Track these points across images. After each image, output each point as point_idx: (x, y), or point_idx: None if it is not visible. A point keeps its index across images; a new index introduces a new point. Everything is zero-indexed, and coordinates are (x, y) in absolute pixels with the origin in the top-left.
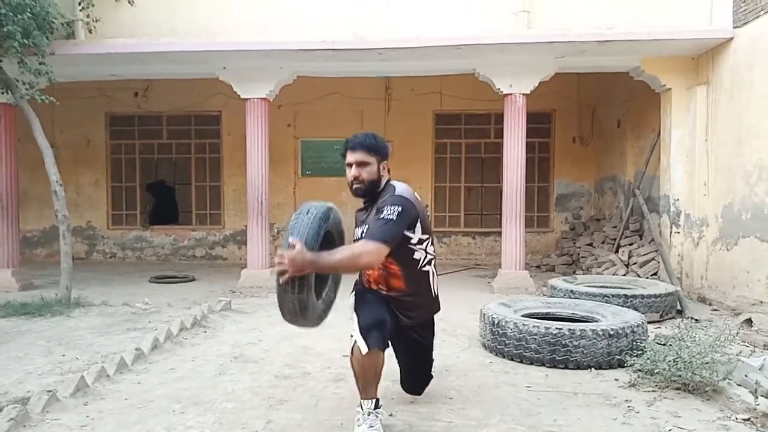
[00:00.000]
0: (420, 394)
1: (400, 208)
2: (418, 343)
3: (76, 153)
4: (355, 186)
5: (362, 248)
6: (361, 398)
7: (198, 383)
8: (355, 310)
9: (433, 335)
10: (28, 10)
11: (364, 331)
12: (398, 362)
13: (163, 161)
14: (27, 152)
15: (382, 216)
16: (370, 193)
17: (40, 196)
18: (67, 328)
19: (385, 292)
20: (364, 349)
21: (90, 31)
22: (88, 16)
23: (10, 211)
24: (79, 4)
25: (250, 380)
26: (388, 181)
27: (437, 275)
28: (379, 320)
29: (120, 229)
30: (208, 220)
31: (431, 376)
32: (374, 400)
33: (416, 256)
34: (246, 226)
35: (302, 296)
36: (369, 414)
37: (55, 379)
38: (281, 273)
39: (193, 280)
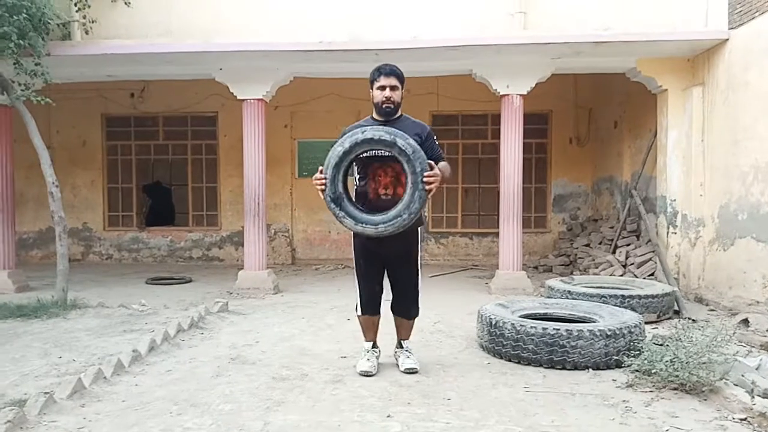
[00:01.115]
0: (409, 316)
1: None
2: (406, 254)
3: (72, 154)
4: (385, 105)
5: (448, 166)
6: (364, 341)
7: (195, 385)
8: (357, 276)
9: (418, 247)
10: (24, 11)
11: (363, 304)
12: (390, 282)
13: (159, 162)
14: (23, 153)
15: (435, 140)
16: (394, 112)
17: (36, 198)
18: (64, 329)
19: (390, 196)
20: (359, 313)
21: (86, 32)
22: (84, 17)
23: (6, 212)
24: (75, 5)
25: (248, 382)
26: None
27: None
28: (374, 295)
29: (116, 230)
30: (205, 222)
31: (418, 290)
32: (371, 342)
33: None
34: (243, 227)
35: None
36: (367, 351)
37: (52, 381)
38: (432, 189)
39: (190, 281)
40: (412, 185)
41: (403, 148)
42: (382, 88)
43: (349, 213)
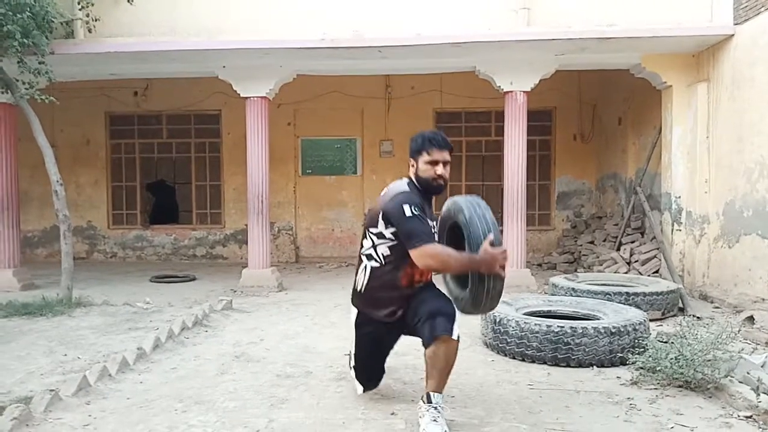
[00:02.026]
0: (447, 330)
1: None
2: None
3: (76, 152)
4: (438, 183)
5: None
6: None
7: (200, 382)
8: (356, 354)
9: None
10: (28, 9)
11: (363, 382)
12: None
13: (163, 160)
14: (27, 152)
15: None
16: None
17: (40, 196)
18: (69, 327)
19: (423, 283)
20: (359, 391)
21: (89, 31)
22: (87, 16)
23: (10, 211)
24: (79, 3)
25: (252, 379)
26: None
27: None
28: (373, 377)
29: (120, 228)
30: (209, 220)
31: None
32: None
33: None
34: (246, 225)
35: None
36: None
37: (58, 379)
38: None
39: (194, 279)
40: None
41: (492, 227)
42: (435, 162)
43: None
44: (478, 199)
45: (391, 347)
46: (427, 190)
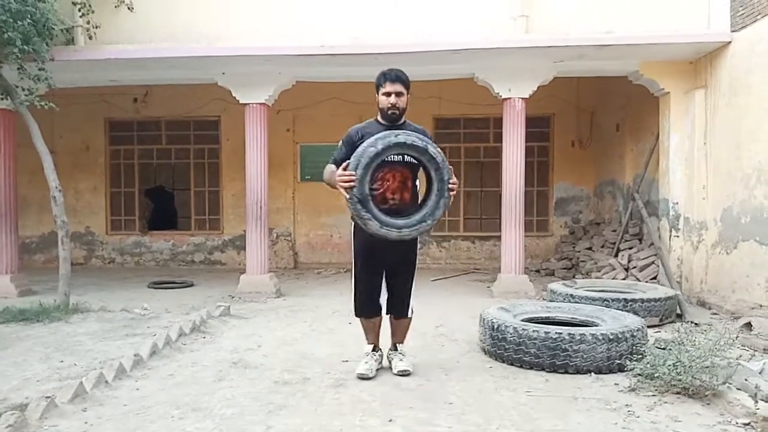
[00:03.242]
0: (404, 314)
1: None
2: (406, 258)
3: (75, 158)
4: (390, 112)
5: None
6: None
7: (197, 389)
8: (355, 275)
9: (416, 254)
10: (29, 16)
11: (359, 305)
12: (387, 286)
13: (162, 166)
14: (26, 158)
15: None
16: (400, 119)
17: (39, 202)
18: (66, 333)
19: (397, 201)
20: (355, 315)
21: (90, 37)
22: (88, 23)
23: (8, 216)
24: (79, 10)
25: (250, 386)
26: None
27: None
28: (371, 295)
29: (119, 234)
30: (207, 226)
31: (411, 291)
32: (371, 346)
33: (417, 181)
34: (245, 231)
35: None
36: (366, 354)
37: (54, 386)
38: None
39: (192, 285)
40: (438, 192)
41: (434, 156)
42: (388, 94)
43: (374, 215)
44: (392, 134)
45: (381, 274)
46: (385, 119)
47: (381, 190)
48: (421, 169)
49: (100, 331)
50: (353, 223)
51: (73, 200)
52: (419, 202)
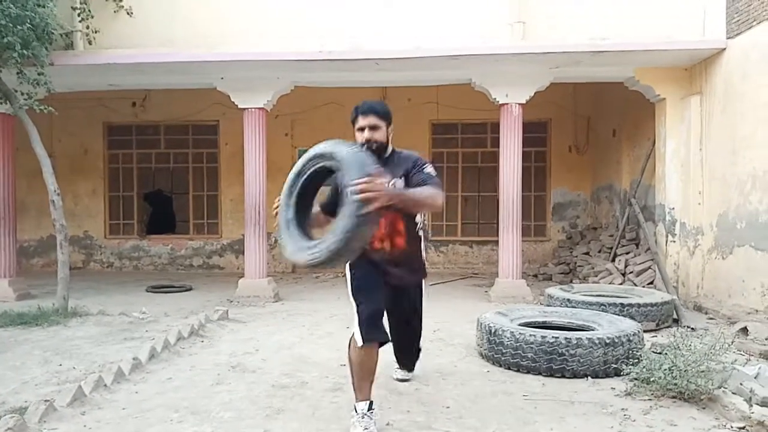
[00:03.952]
0: (412, 370)
1: (432, 168)
2: (409, 306)
3: (74, 162)
4: (366, 148)
5: (437, 191)
6: (356, 400)
7: (195, 393)
8: (354, 295)
9: (422, 301)
10: (28, 21)
11: (363, 325)
12: (391, 334)
13: (160, 171)
14: (25, 162)
15: (428, 171)
16: (379, 154)
17: (37, 206)
18: (64, 337)
19: (388, 250)
20: (360, 343)
21: (89, 42)
22: (87, 27)
23: (7, 220)
24: (79, 15)
25: (248, 390)
26: (394, 148)
27: (427, 251)
28: (377, 311)
29: (117, 238)
30: (206, 230)
31: (419, 347)
32: (367, 402)
33: (417, 219)
34: (243, 236)
35: (373, 230)
36: (363, 416)
37: (53, 389)
38: (368, 201)
39: (191, 289)
40: (347, 200)
41: (340, 157)
42: (361, 129)
43: (292, 238)
44: (341, 144)
45: (384, 293)
46: None
47: (372, 240)
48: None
49: (99, 335)
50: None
51: (71, 204)
52: (423, 243)
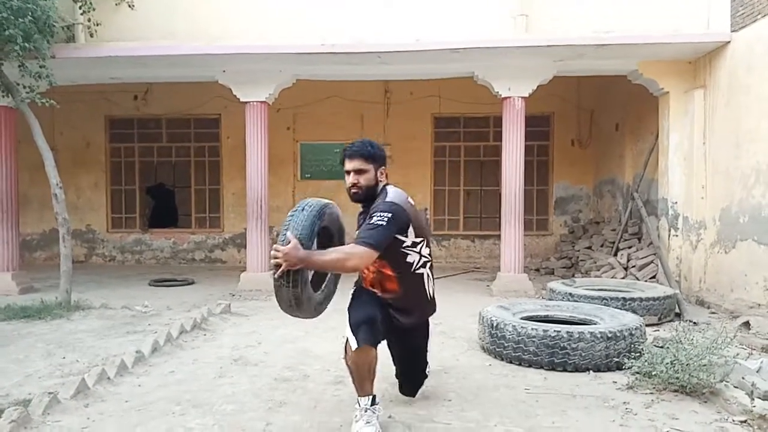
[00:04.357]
0: (414, 396)
1: (390, 215)
2: (413, 344)
3: (76, 156)
4: (353, 192)
5: (351, 251)
6: (358, 396)
7: (198, 386)
8: (348, 309)
9: (428, 337)
10: (29, 14)
11: (354, 328)
12: (394, 363)
13: (162, 164)
14: (27, 155)
15: (372, 221)
16: (369, 198)
17: (39, 199)
18: (67, 330)
19: (380, 294)
20: (354, 345)
21: (91, 35)
22: (89, 20)
23: (9, 214)
24: (80, 7)
25: (250, 383)
26: (385, 185)
27: (433, 278)
28: (369, 317)
29: (119, 232)
30: (208, 224)
31: (425, 376)
32: (370, 397)
33: (409, 259)
34: (245, 229)
35: (296, 291)
36: (366, 410)
37: (56, 382)
38: (276, 266)
39: (193, 283)
40: None
41: (288, 217)
42: (347, 173)
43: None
44: (308, 202)
45: (379, 312)
46: (353, 200)
47: (364, 282)
48: (401, 248)
49: (102, 328)
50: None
51: (74, 197)
52: (426, 290)
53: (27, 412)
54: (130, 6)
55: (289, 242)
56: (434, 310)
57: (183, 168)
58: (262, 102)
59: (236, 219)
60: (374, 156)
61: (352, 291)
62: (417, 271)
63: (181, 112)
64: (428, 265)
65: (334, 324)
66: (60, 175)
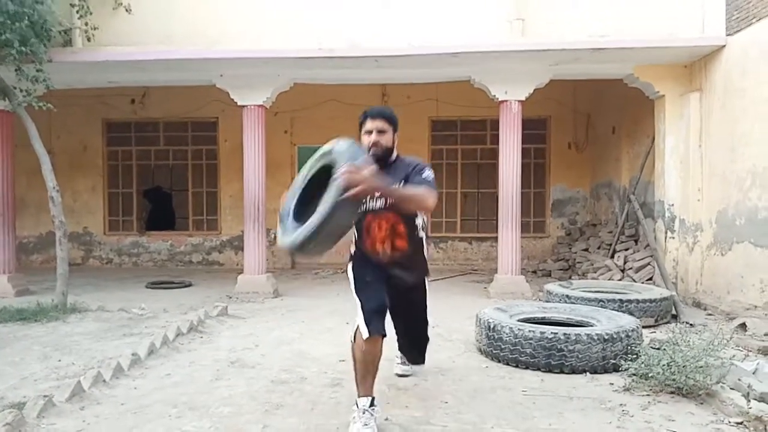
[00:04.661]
0: (423, 362)
1: (432, 173)
2: (415, 303)
3: (73, 159)
4: (372, 151)
5: (429, 191)
6: (357, 396)
7: (194, 388)
8: (357, 293)
9: (426, 297)
10: (26, 18)
11: (367, 317)
12: (396, 332)
13: (159, 167)
14: (24, 158)
15: (425, 175)
16: (384, 158)
17: (36, 202)
18: (64, 333)
19: (388, 252)
20: (366, 335)
21: (88, 39)
22: (86, 24)
23: (6, 217)
24: (77, 12)
25: (247, 385)
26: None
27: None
28: (381, 306)
29: (116, 234)
30: (205, 226)
31: (428, 339)
32: (369, 398)
33: (417, 220)
34: (242, 232)
35: (351, 221)
36: (364, 412)
37: (52, 385)
38: (348, 187)
39: (190, 285)
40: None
41: (335, 152)
42: (369, 132)
43: (283, 227)
44: (345, 141)
45: (385, 289)
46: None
47: (370, 242)
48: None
49: (98, 331)
50: (350, 264)
51: (70, 201)
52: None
53: (22, 415)
54: (127, 10)
55: (357, 169)
56: (428, 273)
57: (180, 171)
58: (259, 105)
59: (233, 222)
60: (393, 120)
61: (350, 266)
62: (420, 234)
63: (179, 115)
64: (426, 230)
65: (331, 325)
66: (57, 178)
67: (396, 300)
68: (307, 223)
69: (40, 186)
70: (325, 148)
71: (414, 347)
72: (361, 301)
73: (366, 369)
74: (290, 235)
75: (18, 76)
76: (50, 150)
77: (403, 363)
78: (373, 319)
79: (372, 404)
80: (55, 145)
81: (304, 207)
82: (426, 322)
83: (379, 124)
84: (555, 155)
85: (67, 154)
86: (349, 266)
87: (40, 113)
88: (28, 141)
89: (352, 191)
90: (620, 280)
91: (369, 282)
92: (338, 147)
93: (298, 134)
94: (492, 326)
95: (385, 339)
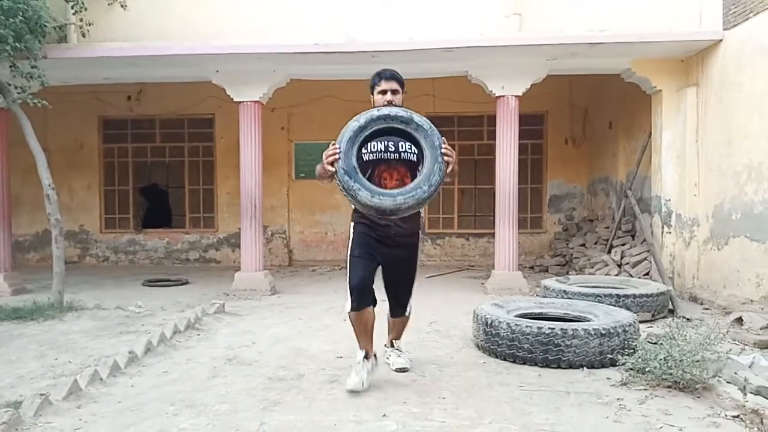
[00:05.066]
0: (404, 314)
1: None
2: (404, 261)
3: (69, 157)
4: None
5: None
6: (358, 348)
7: (191, 386)
8: (348, 264)
9: (417, 253)
10: (20, 13)
11: (351, 292)
12: (385, 281)
13: (156, 165)
14: (19, 156)
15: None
16: None
17: (32, 200)
18: (60, 331)
19: None
20: (348, 308)
21: (83, 35)
22: (81, 20)
23: (2, 215)
24: (72, 7)
25: (244, 382)
26: None
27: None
28: (363, 280)
29: (113, 232)
30: (202, 223)
31: (411, 294)
32: (363, 351)
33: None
34: (239, 229)
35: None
36: (358, 363)
37: (48, 383)
38: (449, 162)
39: (187, 283)
40: (431, 159)
41: (420, 123)
42: (383, 92)
43: (364, 185)
44: (374, 109)
45: (375, 267)
46: None
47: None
48: (419, 168)
49: (95, 329)
50: (352, 223)
51: (66, 198)
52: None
53: (18, 413)
54: (122, 6)
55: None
56: (421, 226)
57: (177, 168)
58: (255, 102)
59: (230, 219)
60: (403, 82)
61: (352, 225)
62: None
63: (175, 112)
64: None
65: (328, 322)
66: (53, 176)
67: (388, 252)
68: (419, 191)
69: (36, 184)
70: (391, 112)
71: (397, 296)
72: (348, 275)
73: (359, 330)
74: (388, 197)
75: (12, 73)
76: (45, 147)
77: (392, 353)
78: (355, 294)
79: (367, 357)
80: (51, 142)
81: (356, 160)
82: (412, 280)
83: (393, 85)
84: (552, 151)
85: (63, 151)
86: (351, 230)
87: (35, 110)
88: (23, 138)
89: (449, 167)
90: (617, 275)
91: (358, 256)
92: (421, 120)
93: (295, 130)
94: (489, 322)
95: (375, 306)
